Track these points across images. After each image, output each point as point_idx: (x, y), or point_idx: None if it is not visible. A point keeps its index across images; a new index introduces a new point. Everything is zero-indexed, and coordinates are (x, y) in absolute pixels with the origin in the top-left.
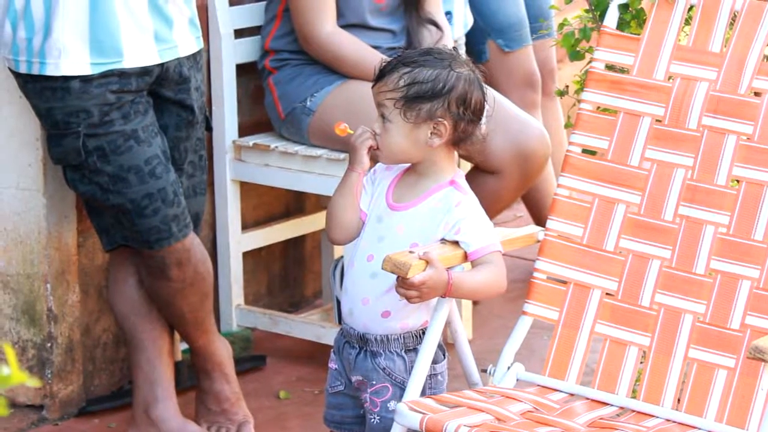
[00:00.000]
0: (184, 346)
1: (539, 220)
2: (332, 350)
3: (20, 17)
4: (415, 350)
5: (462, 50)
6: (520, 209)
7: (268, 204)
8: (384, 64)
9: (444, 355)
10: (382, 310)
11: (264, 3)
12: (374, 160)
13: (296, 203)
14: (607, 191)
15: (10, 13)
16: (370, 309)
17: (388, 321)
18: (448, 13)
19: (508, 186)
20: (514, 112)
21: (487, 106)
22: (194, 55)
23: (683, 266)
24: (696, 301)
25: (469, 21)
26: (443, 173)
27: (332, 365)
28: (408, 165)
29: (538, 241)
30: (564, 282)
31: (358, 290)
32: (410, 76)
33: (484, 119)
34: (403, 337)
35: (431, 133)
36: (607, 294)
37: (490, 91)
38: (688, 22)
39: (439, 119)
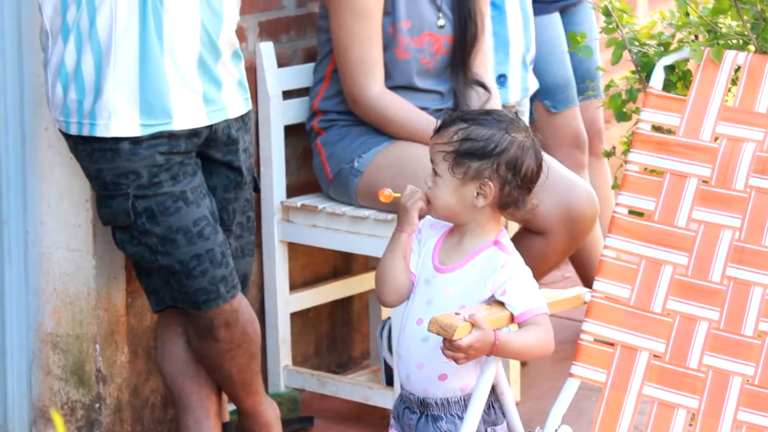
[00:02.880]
0: (231, 407)
1: (587, 280)
2: (392, 416)
3: (71, 79)
4: None
5: (525, 116)
6: (568, 270)
7: (316, 265)
8: (446, 117)
9: (504, 416)
10: (439, 372)
11: (312, 64)
12: (420, 217)
13: (344, 264)
14: (654, 252)
15: (62, 76)
16: (426, 373)
17: (447, 383)
18: (502, 76)
19: (555, 247)
20: (562, 172)
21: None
22: (243, 117)
23: (731, 328)
24: (745, 363)
25: (532, 86)
26: (487, 234)
27: (392, 431)
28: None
29: (586, 303)
30: (611, 344)
31: (411, 355)
32: (465, 132)
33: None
34: (464, 399)
35: (477, 193)
36: (654, 356)
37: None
38: (734, 82)
39: (486, 180)
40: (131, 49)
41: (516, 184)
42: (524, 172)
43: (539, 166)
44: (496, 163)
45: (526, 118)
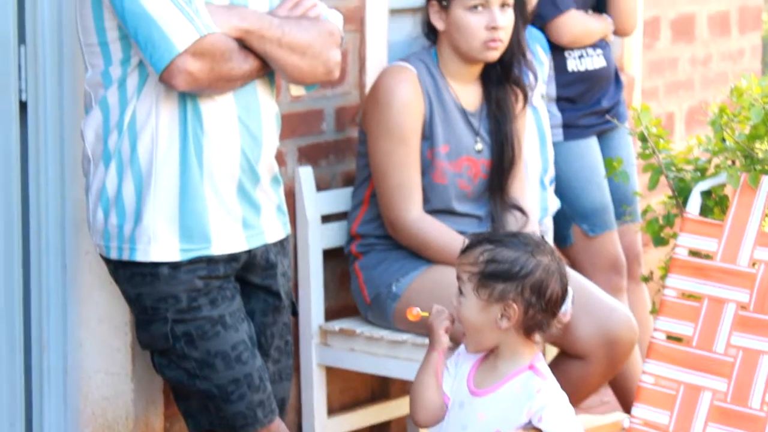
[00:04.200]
0: None
1: (626, 405)
2: None
3: (112, 204)
4: None
5: (548, 236)
6: (607, 394)
7: (354, 388)
8: (473, 237)
9: None
10: None
11: (351, 188)
12: (456, 341)
13: (382, 388)
14: (693, 378)
15: (103, 201)
16: None
17: None
18: None
19: (594, 372)
20: (600, 296)
21: (567, 302)
22: (281, 241)
23: None
24: None
25: (552, 206)
26: (522, 357)
27: None
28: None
29: (624, 429)
30: None
31: None
32: (491, 253)
33: (564, 308)
34: None
35: (501, 315)
36: None
37: (571, 279)
38: None
39: (510, 302)
40: (171, 174)
41: (540, 308)
42: (549, 296)
43: (564, 290)
44: (521, 286)
45: (549, 238)
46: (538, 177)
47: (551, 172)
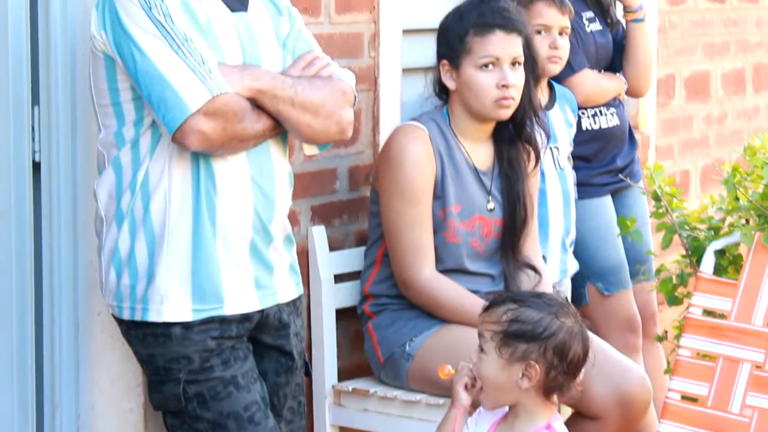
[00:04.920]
0: None
1: None
2: None
3: (125, 264)
4: None
5: (567, 295)
6: None
7: None
8: (496, 296)
9: None
10: None
11: (364, 248)
12: (476, 403)
13: None
14: None
15: (115, 261)
16: None
17: None
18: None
19: None
20: (615, 356)
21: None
22: (294, 301)
23: None
24: None
25: (571, 268)
26: (539, 417)
27: None
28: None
29: None
30: None
31: None
32: (514, 313)
33: (581, 376)
34: None
35: (522, 375)
36: None
37: (591, 342)
38: None
39: (532, 362)
40: (184, 234)
41: (562, 370)
42: (571, 358)
43: (586, 353)
44: (544, 347)
45: (568, 296)
46: (560, 238)
47: (573, 235)
